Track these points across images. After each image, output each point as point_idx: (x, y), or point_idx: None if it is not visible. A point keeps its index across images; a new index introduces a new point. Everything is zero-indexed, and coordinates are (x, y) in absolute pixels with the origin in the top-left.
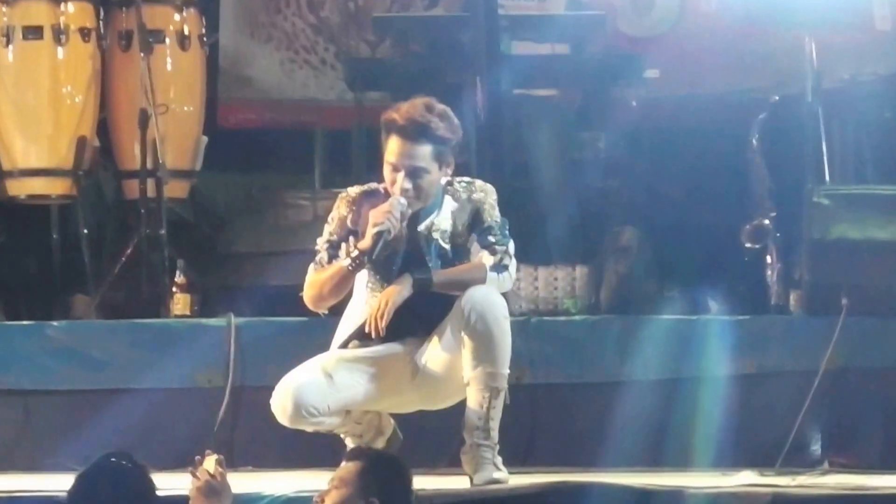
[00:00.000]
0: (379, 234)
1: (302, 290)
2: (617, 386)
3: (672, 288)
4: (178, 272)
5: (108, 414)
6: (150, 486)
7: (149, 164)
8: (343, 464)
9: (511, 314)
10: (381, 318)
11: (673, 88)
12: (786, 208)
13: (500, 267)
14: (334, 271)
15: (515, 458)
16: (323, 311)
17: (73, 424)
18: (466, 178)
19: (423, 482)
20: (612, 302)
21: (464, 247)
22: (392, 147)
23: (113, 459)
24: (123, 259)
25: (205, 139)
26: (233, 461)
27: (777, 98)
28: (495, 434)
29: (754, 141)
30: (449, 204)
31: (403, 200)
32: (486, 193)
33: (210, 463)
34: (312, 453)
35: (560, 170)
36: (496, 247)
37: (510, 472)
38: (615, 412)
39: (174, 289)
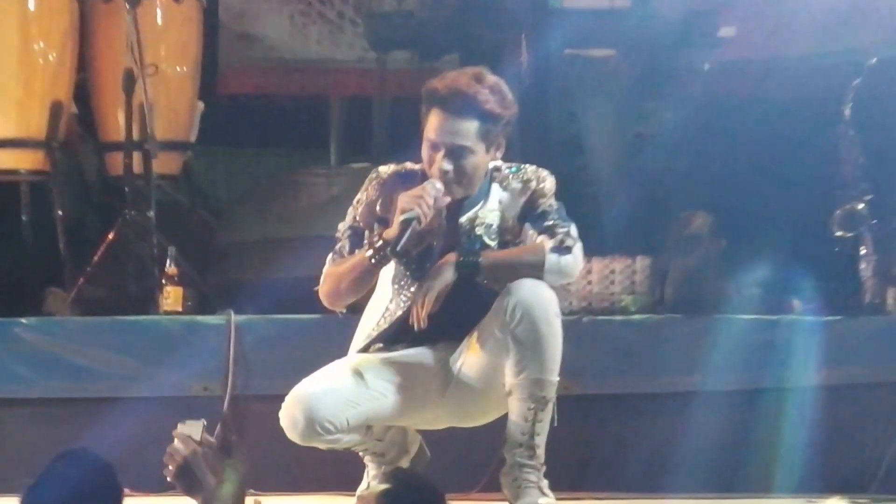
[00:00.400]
0: (407, 223)
1: (316, 283)
2: (684, 398)
3: (749, 284)
4: (168, 262)
5: (88, 429)
6: (117, 487)
7: (135, 135)
8: (369, 487)
9: (560, 313)
10: (423, 307)
11: (752, 50)
12: (883, 191)
13: (562, 249)
14: (355, 263)
15: (564, 481)
16: (340, 309)
17: (47, 440)
18: (518, 164)
19: None
20: (679, 299)
21: (513, 243)
22: (432, 122)
23: (71, 456)
24: (105, 246)
25: (201, 106)
26: None
27: (875, 61)
28: (541, 453)
29: (847, 111)
30: (496, 193)
31: (440, 185)
32: (541, 180)
33: (193, 429)
34: (324, 475)
35: (618, 145)
36: (556, 229)
37: (558, 499)
38: (681, 429)
39: (164, 281)
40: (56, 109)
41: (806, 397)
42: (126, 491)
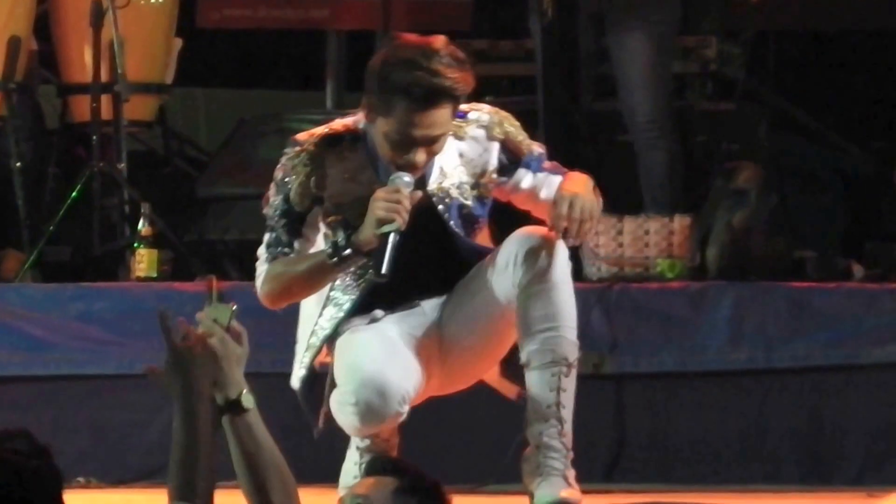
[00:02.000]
0: (386, 236)
1: None
2: (729, 378)
3: (804, 246)
4: (142, 221)
5: (50, 409)
6: (54, 475)
7: (103, 76)
8: (366, 479)
9: (587, 279)
10: (582, 232)
11: None
12: None
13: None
14: (310, 267)
15: (594, 472)
16: (281, 309)
17: (3, 423)
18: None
19: None
20: (724, 264)
21: (488, 197)
22: (400, 117)
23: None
24: (69, 203)
25: (178, 42)
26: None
27: None
28: (569, 432)
29: None
30: (452, 146)
31: (409, 178)
32: (504, 122)
33: (221, 312)
34: (306, 466)
35: (655, 86)
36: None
37: (587, 492)
38: (725, 412)
39: (137, 243)
40: (13, 46)
41: (869, 375)
42: (92, 482)
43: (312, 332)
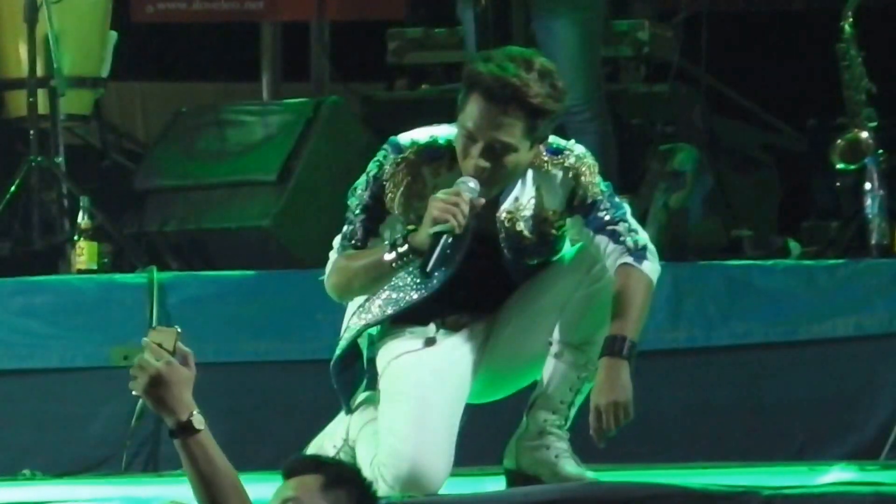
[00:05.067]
0: (439, 236)
1: (251, 234)
2: (668, 356)
3: (740, 225)
4: (81, 214)
5: None
6: None
7: (39, 71)
8: (289, 481)
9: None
10: (612, 422)
11: None
12: (890, 117)
13: (636, 254)
14: (372, 263)
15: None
16: (347, 302)
17: None
18: (552, 142)
19: (461, 484)
20: (661, 244)
21: (549, 235)
22: (471, 109)
23: None
24: (8, 197)
25: (114, 36)
26: (157, 464)
27: None
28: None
29: (847, 27)
30: (532, 179)
31: (474, 184)
32: (589, 171)
33: (165, 336)
34: (260, 454)
35: (584, 70)
36: (616, 226)
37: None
38: (666, 390)
39: (76, 235)
40: None
41: (805, 352)
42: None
43: (361, 308)
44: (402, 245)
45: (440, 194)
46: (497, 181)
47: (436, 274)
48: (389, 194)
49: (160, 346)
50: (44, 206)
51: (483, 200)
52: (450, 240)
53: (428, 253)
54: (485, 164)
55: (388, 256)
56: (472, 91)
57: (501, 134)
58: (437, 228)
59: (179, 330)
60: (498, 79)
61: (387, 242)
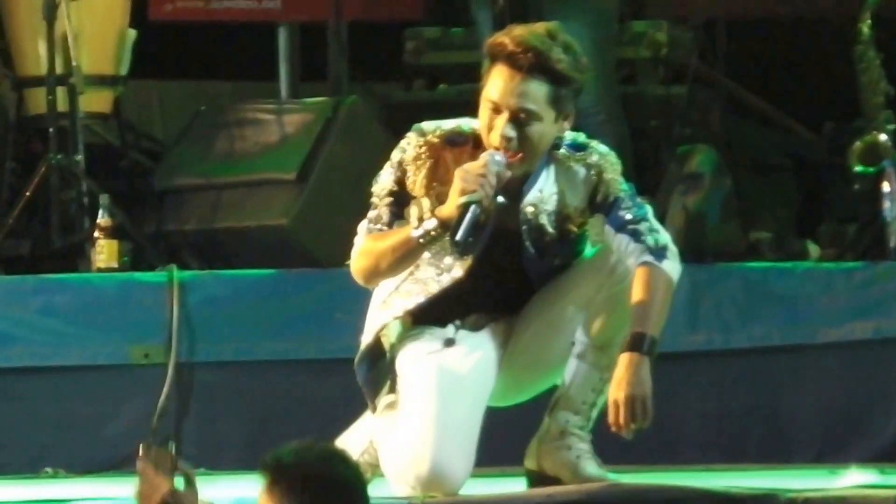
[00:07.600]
0: (467, 206)
1: (269, 233)
2: (685, 359)
3: (758, 228)
4: (101, 212)
5: (12, 402)
6: None
7: (58, 69)
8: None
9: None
10: (632, 419)
11: None
12: None
13: (657, 253)
14: (399, 241)
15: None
16: (374, 286)
17: None
18: (576, 139)
19: (482, 485)
20: (679, 248)
21: (570, 233)
22: (495, 80)
23: None
24: (27, 195)
25: (132, 34)
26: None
27: None
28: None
29: (865, 28)
30: (555, 174)
31: (500, 157)
32: (611, 168)
33: (161, 459)
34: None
35: (598, 72)
36: (637, 226)
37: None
38: (684, 393)
39: (96, 234)
40: None
41: (824, 355)
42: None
43: (383, 303)
44: (429, 221)
45: (468, 165)
46: (523, 154)
47: (469, 240)
48: (412, 176)
49: (157, 469)
50: (63, 204)
51: (510, 173)
52: (478, 210)
53: (456, 223)
54: (511, 133)
55: (416, 233)
56: (496, 61)
57: (526, 101)
58: (466, 199)
59: (174, 445)
60: (521, 44)
61: (414, 218)
